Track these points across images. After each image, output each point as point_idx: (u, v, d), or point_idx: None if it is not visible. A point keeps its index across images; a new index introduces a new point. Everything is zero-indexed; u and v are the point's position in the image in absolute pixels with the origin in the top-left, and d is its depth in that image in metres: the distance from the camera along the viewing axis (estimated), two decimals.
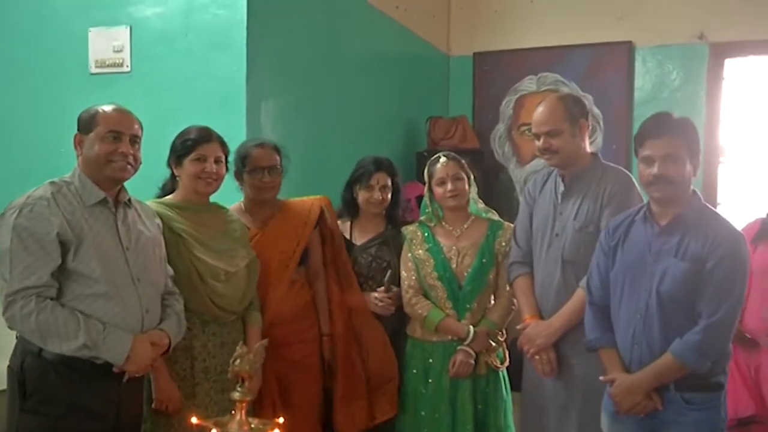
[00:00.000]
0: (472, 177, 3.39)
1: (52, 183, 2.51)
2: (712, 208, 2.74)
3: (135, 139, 2.58)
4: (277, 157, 3.23)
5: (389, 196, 3.38)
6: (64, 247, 2.39)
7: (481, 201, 3.47)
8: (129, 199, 2.64)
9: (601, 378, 2.73)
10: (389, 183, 3.38)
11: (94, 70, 4.15)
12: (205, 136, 2.93)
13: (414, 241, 3.34)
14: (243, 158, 3.21)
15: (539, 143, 3.06)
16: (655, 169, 2.58)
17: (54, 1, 4.29)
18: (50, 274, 2.36)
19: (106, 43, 4.11)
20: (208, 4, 3.91)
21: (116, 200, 2.58)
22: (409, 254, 3.33)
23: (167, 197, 2.98)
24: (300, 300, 3.29)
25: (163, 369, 2.75)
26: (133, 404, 2.62)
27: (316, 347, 3.34)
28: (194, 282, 2.83)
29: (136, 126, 2.61)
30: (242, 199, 3.30)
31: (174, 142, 2.96)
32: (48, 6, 4.30)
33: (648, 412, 2.61)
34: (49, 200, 2.41)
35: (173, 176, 3.00)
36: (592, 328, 2.81)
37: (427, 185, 3.38)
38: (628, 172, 3.16)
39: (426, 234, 3.35)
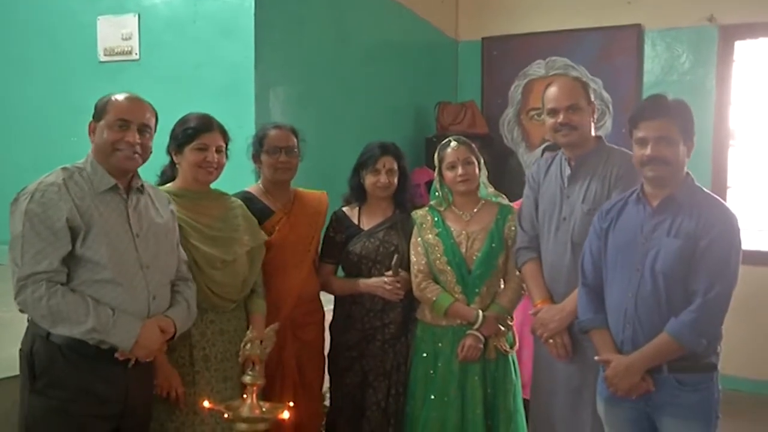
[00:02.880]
0: (482, 161, 3.39)
1: (64, 169, 2.50)
2: (705, 188, 2.71)
3: (144, 129, 2.54)
4: (294, 139, 3.27)
5: (396, 180, 3.39)
6: (73, 233, 2.39)
7: (491, 185, 3.47)
8: (142, 185, 2.62)
9: (595, 358, 2.75)
10: (395, 167, 3.37)
11: (102, 58, 4.17)
12: (207, 124, 2.91)
13: (424, 225, 3.34)
14: (260, 139, 3.25)
15: (558, 119, 3.03)
16: (648, 150, 2.60)
17: None
18: (60, 260, 2.37)
19: (115, 31, 4.13)
20: None
21: (128, 186, 2.56)
22: (419, 239, 3.33)
23: (167, 185, 2.96)
24: (315, 282, 3.38)
25: (163, 355, 2.74)
26: (141, 389, 2.60)
27: (322, 328, 3.45)
28: (191, 270, 2.81)
29: (148, 115, 2.57)
30: (260, 180, 3.33)
31: (174, 130, 2.94)
32: None
33: (641, 394, 2.62)
34: (60, 186, 2.41)
35: (172, 163, 2.99)
36: (585, 309, 2.82)
37: (437, 169, 3.38)
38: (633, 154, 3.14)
39: (436, 218, 3.34)
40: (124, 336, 2.43)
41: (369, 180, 3.34)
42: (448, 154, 3.31)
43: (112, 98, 2.55)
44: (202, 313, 2.84)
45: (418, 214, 3.38)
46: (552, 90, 3.09)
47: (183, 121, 2.93)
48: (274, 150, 3.20)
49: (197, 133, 2.87)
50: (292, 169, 3.26)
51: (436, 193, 3.40)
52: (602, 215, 2.81)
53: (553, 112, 3.05)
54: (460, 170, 3.26)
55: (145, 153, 2.56)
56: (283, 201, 3.30)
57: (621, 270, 2.69)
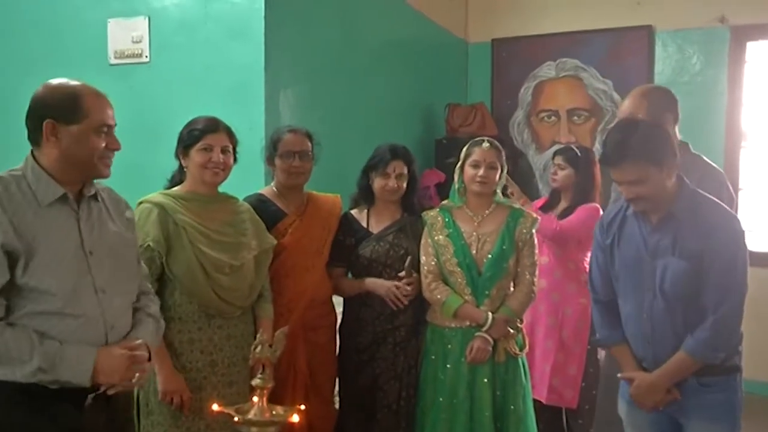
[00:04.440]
0: (505, 170, 3.38)
1: None
2: (702, 193, 2.63)
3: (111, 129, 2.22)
4: (309, 143, 3.26)
5: (405, 184, 3.38)
6: (11, 258, 2.02)
7: (503, 196, 3.45)
8: (95, 192, 2.25)
9: (618, 375, 2.74)
10: (405, 171, 3.37)
11: (113, 60, 4.18)
12: (212, 125, 2.90)
13: (434, 226, 3.34)
14: (275, 143, 3.25)
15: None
16: (625, 194, 2.58)
17: None
18: None
19: (125, 34, 4.14)
20: None
21: (79, 195, 2.20)
22: (429, 239, 3.33)
23: (174, 189, 2.94)
24: (328, 286, 3.38)
25: (167, 361, 2.73)
26: (105, 426, 2.22)
27: (334, 331, 3.44)
28: (198, 275, 2.78)
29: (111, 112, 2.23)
30: (273, 183, 3.33)
31: (181, 133, 2.92)
32: None
33: (667, 404, 2.62)
34: None
35: (181, 167, 2.97)
36: (601, 325, 2.82)
37: (460, 162, 3.37)
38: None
39: (447, 219, 3.34)
40: (77, 369, 2.07)
41: (378, 183, 3.34)
42: (476, 152, 3.31)
43: (85, 94, 2.16)
44: (209, 319, 2.84)
45: (429, 215, 3.37)
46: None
47: (190, 123, 2.93)
48: (288, 154, 3.20)
49: (202, 133, 2.86)
50: (305, 174, 3.26)
51: (454, 186, 3.39)
52: (603, 229, 2.79)
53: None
54: (481, 171, 3.27)
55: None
56: (296, 204, 3.30)
57: (633, 290, 2.67)
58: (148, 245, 2.72)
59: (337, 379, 3.47)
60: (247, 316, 3.00)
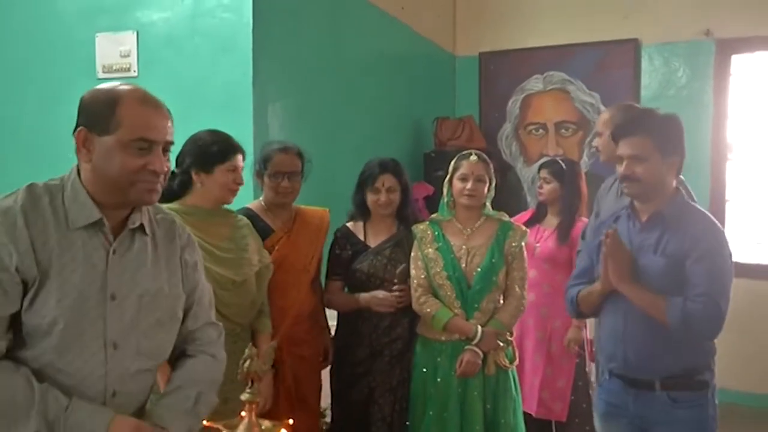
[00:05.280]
0: (493, 183, 3.39)
1: (30, 188, 1.83)
2: (695, 203, 2.73)
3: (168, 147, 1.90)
4: (299, 163, 3.25)
5: (397, 197, 3.39)
6: (25, 286, 1.71)
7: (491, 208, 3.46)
8: (143, 225, 1.91)
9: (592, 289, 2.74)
10: (396, 184, 3.38)
11: (101, 75, 4.17)
12: (236, 145, 2.88)
13: (424, 239, 3.34)
14: (266, 161, 3.23)
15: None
16: (622, 168, 2.62)
17: (61, 7, 4.31)
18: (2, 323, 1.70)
19: (113, 48, 4.14)
20: (214, 8, 3.93)
21: (122, 224, 1.87)
22: (419, 252, 3.33)
23: (172, 203, 2.82)
24: (314, 301, 3.37)
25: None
26: None
27: (320, 344, 3.43)
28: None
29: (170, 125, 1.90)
30: (261, 197, 3.32)
31: (198, 147, 2.84)
32: (55, 12, 4.33)
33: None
34: (15, 216, 1.73)
35: (181, 181, 2.88)
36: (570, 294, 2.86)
37: (449, 176, 3.38)
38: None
39: (436, 233, 3.34)
40: None
41: (370, 198, 3.35)
42: (464, 165, 3.32)
43: (123, 100, 1.80)
44: None
45: (419, 228, 3.38)
46: None
47: (211, 138, 2.86)
48: (278, 175, 3.18)
49: (231, 152, 2.85)
50: (294, 193, 3.25)
51: (443, 200, 3.41)
52: (594, 231, 2.84)
53: None
54: (469, 185, 3.28)
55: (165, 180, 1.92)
56: (283, 219, 3.28)
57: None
58: None
59: (330, 392, 3.46)
60: (246, 332, 2.98)
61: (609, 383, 2.75)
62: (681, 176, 3.65)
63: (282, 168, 3.19)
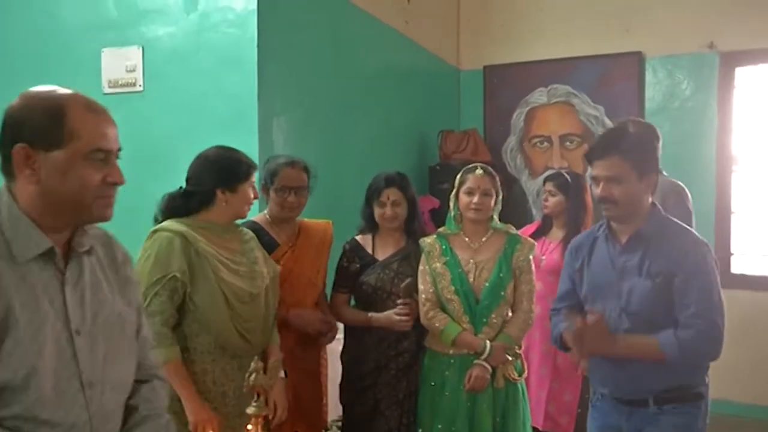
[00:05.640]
0: (500, 196, 3.38)
1: None
2: (673, 219, 2.67)
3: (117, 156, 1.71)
4: (306, 178, 3.24)
5: (403, 210, 3.39)
6: None
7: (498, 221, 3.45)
8: (90, 248, 1.70)
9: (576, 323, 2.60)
10: (401, 198, 3.38)
11: (107, 90, 4.19)
12: (252, 161, 2.89)
13: (432, 253, 3.33)
14: (272, 175, 3.22)
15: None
16: (599, 190, 2.56)
17: (66, 22, 4.33)
18: None
19: (119, 63, 4.16)
20: (219, 23, 3.95)
21: (67, 248, 1.65)
22: (427, 267, 3.32)
23: (186, 218, 2.79)
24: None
25: (192, 391, 2.63)
26: None
27: (323, 356, 3.44)
28: (220, 305, 2.70)
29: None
30: (266, 211, 3.31)
31: (221, 166, 2.79)
32: (60, 27, 4.35)
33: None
34: None
35: (206, 199, 2.80)
36: (554, 327, 2.83)
37: (455, 190, 3.37)
38: None
39: (444, 247, 3.33)
40: None
41: (377, 212, 3.36)
42: (469, 179, 3.31)
43: (71, 108, 1.62)
44: (223, 350, 2.75)
45: (426, 242, 3.37)
46: None
47: (228, 157, 2.83)
48: (284, 190, 3.18)
49: (253, 169, 2.87)
50: (299, 207, 3.24)
51: (450, 213, 3.40)
52: (573, 252, 2.80)
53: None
54: (476, 199, 3.26)
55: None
56: (288, 233, 3.28)
57: (600, 310, 2.61)
58: (174, 275, 2.63)
59: (340, 405, 3.47)
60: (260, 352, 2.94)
61: (601, 403, 2.73)
62: (680, 183, 3.71)
63: (289, 183, 3.18)
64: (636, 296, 2.53)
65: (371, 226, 3.43)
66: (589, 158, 2.61)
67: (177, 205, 2.83)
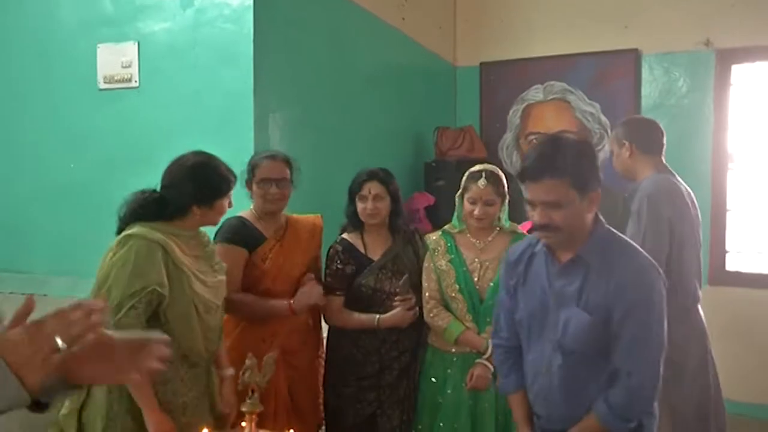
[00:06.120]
0: (506, 199, 3.32)
1: None
2: (618, 235, 2.43)
3: None
4: (287, 170, 3.23)
5: (384, 205, 3.33)
6: None
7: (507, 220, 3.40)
8: None
9: None
10: (383, 192, 3.32)
11: (102, 85, 4.18)
12: (232, 172, 2.82)
13: (437, 251, 3.31)
14: (253, 168, 3.22)
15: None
16: (536, 217, 2.29)
17: (62, 18, 4.32)
18: None
19: (115, 59, 4.14)
20: (215, 18, 3.94)
21: None
22: (432, 264, 3.30)
23: (157, 223, 2.66)
24: (311, 310, 3.35)
25: (155, 403, 2.54)
26: None
27: (317, 353, 3.43)
28: (192, 319, 2.65)
29: None
30: (252, 206, 3.30)
31: (200, 183, 2.68)
32: (56, 23, 4.34)
33: None
34: None
35: (181, 209, 2.71)
36: (500, 370, 2.67)
37: (460, 191, 3.33)
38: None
39: (449, 244, 3.31)
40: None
41: (359, 207, 3.32)
42: (472, 189, 3.23)
43: None
44: (185, 359, 2.69)
45: (431, 239, 3.35)
46: None
47: (208, 173, 2.72)
48: (266, 182, 3.18)
49: (234, 184, 2.81)
50: (282, 200, 3.23)
51: (456, 212, 3.36)
52: (509, 268, 2.57)
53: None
54: (477, 211, 3.21)
55: None
56: (275, 227, 3.27)
57: (535, 339, 2.46)
58: (155, 290, 2.52)
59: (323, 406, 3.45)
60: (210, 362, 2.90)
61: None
62: (681, 185, 3.66)
63: (270, 174, 3.18)
64: (572, 330, 2.31)
65: (355, 223, 3.39)
66: (521, 179, 2.33)
67: (150, 211, 2.69)
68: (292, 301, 3.15)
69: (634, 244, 2.45)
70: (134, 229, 2.59)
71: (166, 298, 2.55)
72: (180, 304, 2.61)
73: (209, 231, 3.10)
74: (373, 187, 3.29)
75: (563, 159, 2.24)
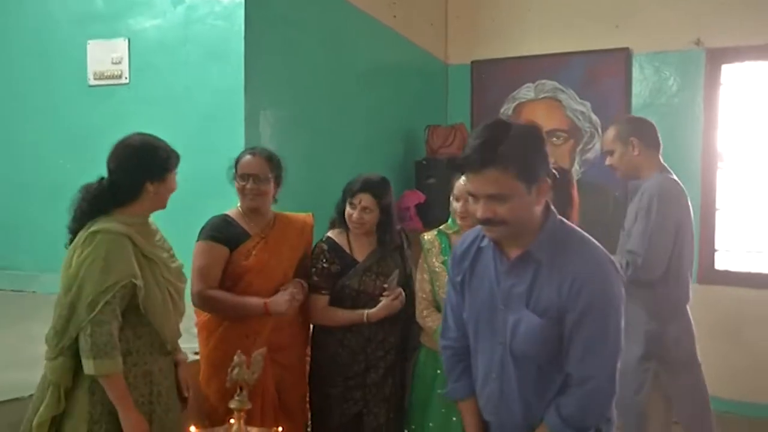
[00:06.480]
0: None
1: None
2: (571, 227, 2.23)
3: None
4: (267, 167, 3.19)
5: (373, 218, 3.29)
6: None
7: None
8: None
9: None
10: (373, 205, 3.28)
11: (92, 82, 4.17)
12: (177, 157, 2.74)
13: (431, 251, 3.28)
14: (235, 164, 3.21)
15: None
16: (480, 211, 2.07)
17: (53, 14, 4.31)
18: None
19: (105, 55, 4.14)
20: (206, 15, 3.94)
21: None
22: (425, 265, 3.29)
23: (118, 215, 2.59)
24: (297, 307, 3.28)
25: (131, 403, 2.49)
26: None
27: (305, 351, 3.40)
28: (168, 307, 2.61)
29: None
30: (239, 204, 3.27)
31: (150, 156, 2.62)
32: (47, 19, 4.33)
33: None
34: None
35: (134, 190, 2.61)
36: (449, 374, 2.46)
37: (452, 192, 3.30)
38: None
39: (443, 245, 3.28)
40: None
41: (347, 211, 3.30)
42: (456, 186, 3.20)
43: None
44: (162, 348, 2.66)
45: (426, 238, 3.33)
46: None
47: (154, 145, 2.66)
48: (243, 177, 3.16)
49: (179, 157, 2.73)
50: (261, 196, 3.18)
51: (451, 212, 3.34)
52: (456, 263, 2.37)
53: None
54: (459, 207, 3.17)
55: None
56: (261, 225, 3.24)
57: (484, 342, 2.27)
58: (129, 282, 2.47)
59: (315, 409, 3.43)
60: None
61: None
62: (677, 183, 3.68)
63: (247, 170, 3.16)
64: (522, 333, 2.14)
65: (342, 221, 3.38)
66: (461, 169, 2.19)
67: (105, 200, 2.60)
68: (268, 301, 3.12)
69: (591, 237, 2.22)
70: (98, 225, 2.52)
71: (141, 289, 2.50)
72: (156, 294, 2.58)
73: (194, 228, 3.10)
74: (364, 199, 3.26)
75: (507, 147, 2.00)
